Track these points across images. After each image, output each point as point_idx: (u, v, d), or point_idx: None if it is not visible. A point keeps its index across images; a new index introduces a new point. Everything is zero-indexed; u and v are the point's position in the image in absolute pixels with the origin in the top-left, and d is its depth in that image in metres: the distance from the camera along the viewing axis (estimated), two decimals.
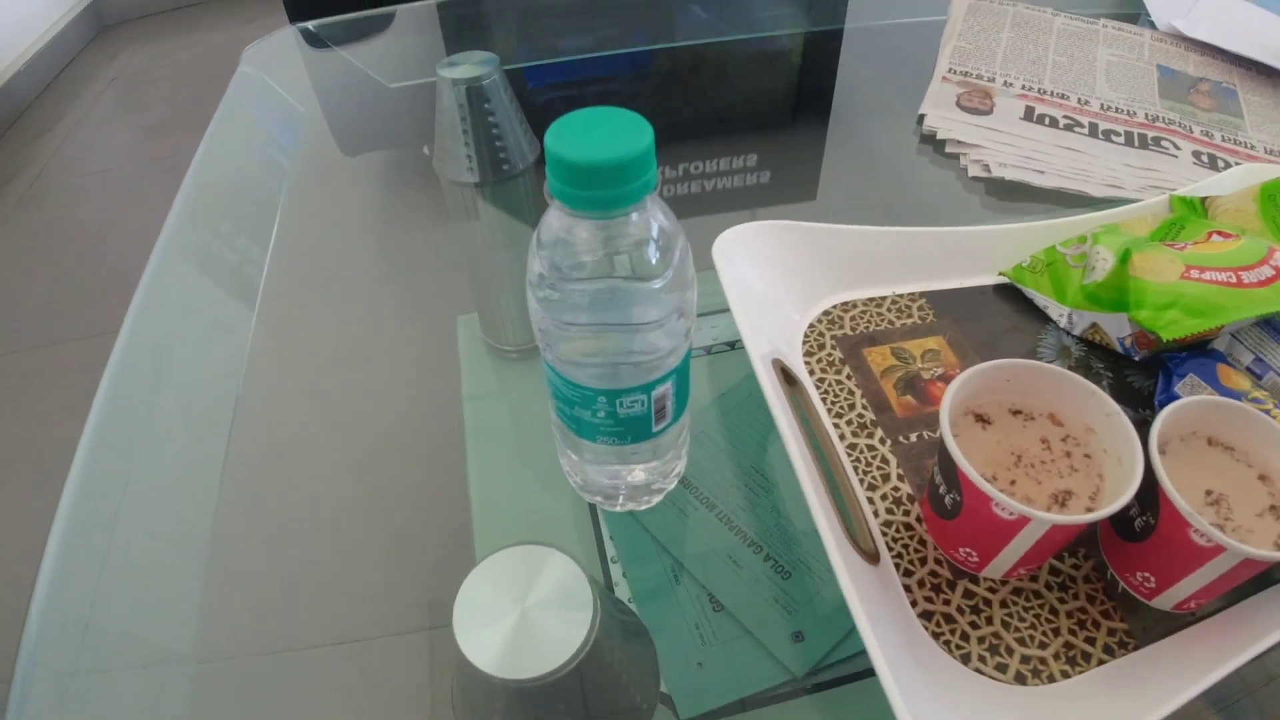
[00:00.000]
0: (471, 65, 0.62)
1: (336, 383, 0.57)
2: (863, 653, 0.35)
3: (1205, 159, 0.74)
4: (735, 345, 0.55)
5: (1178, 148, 0.75)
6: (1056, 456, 0.40)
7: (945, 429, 0.38)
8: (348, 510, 0.49)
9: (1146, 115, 0.79)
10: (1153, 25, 0.96)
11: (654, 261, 0.34)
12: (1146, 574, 0.40)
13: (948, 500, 0.39)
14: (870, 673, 0.34)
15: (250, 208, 0.73)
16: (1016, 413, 0.42)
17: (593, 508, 0.46)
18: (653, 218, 0.33)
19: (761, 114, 0.88)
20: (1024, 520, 0.36)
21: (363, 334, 0.62)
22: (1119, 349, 0.51)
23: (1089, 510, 0.38)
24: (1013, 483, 0.39)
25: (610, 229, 0.33)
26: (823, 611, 0.43)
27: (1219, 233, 0.53)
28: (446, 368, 0.56)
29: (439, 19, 1.03)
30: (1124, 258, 0.50)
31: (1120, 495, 0.36)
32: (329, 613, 0.44)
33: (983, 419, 0.42)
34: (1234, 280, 0.47)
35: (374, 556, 0.47)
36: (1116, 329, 0.51)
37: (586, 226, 0.33)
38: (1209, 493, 0.40)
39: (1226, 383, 0.46)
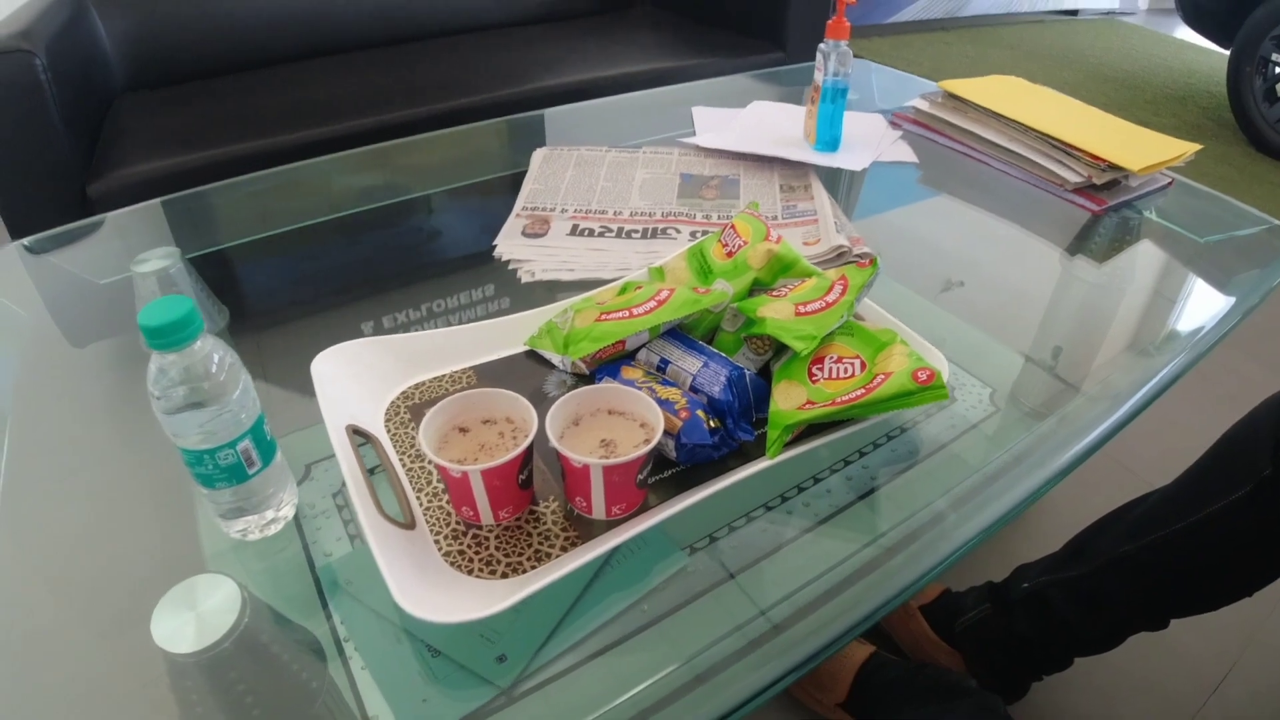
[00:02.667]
0: (158, 259, 0.84)
1: (84, 568, 0.68)
2: (555, 659, 0.58)
3: (699, 234, 1.06)
4: None
5: (679, 232, 1.07)
6: (507, 441, 0.67)
7: (423, 444, 0.63)
8: (116, 694, 0.60)
9: (663, 213, 1.11)
10: (696, 146, 1.31)
11: (212, 370, 0.59)
12: (580, 497, 0.67)
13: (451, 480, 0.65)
14: (565, 672, 0.58)
15: None
16: (486, 421, 0.68)
17: (326, 608, 0.62)
18: (203, 350, 0.58)
19: (468, 267, 1.08)
20: (466, 475, 0.61)
21: (108, 512, 0.73)
22: (587, 373, 0.80)
23: None
24: (475, 460, 0.65)
25: (179, 357, 0.57)
26: (519, 635, 0.60)
27: (638, 287, 0.83)
28: (190, 523, 0.70)
29: (165, 215, 1.21)
30: (572, 318, 0.79)
31: (515, 451, 0.62)
32: None
33: (463, 429, 0.68)
34: (626, 315, 0.77)
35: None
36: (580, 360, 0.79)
37: (166, 357, 0.57)
38: (604, 440, 0.67)
39: (627, 376, 0.74)
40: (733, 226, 0.88)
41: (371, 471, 0.68)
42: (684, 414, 0.69)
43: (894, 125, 1.46)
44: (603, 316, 0.77)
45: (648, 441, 0.65)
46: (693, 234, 1.06)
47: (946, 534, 0.70)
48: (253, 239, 1.16)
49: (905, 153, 1.34)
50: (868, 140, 1.35)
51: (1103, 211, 1.18)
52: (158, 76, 1.95)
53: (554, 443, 0.63)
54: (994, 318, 0.99)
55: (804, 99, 1.35)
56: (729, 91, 1.65)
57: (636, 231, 1.07)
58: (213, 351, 0.59)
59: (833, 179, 1.24)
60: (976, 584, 1.22)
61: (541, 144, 1.36)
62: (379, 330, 0.81)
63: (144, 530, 0.73)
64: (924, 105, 1.46)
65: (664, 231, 1.07)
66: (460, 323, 0.85)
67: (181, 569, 0.57)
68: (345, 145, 1.42)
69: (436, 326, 0.84)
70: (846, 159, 1.26)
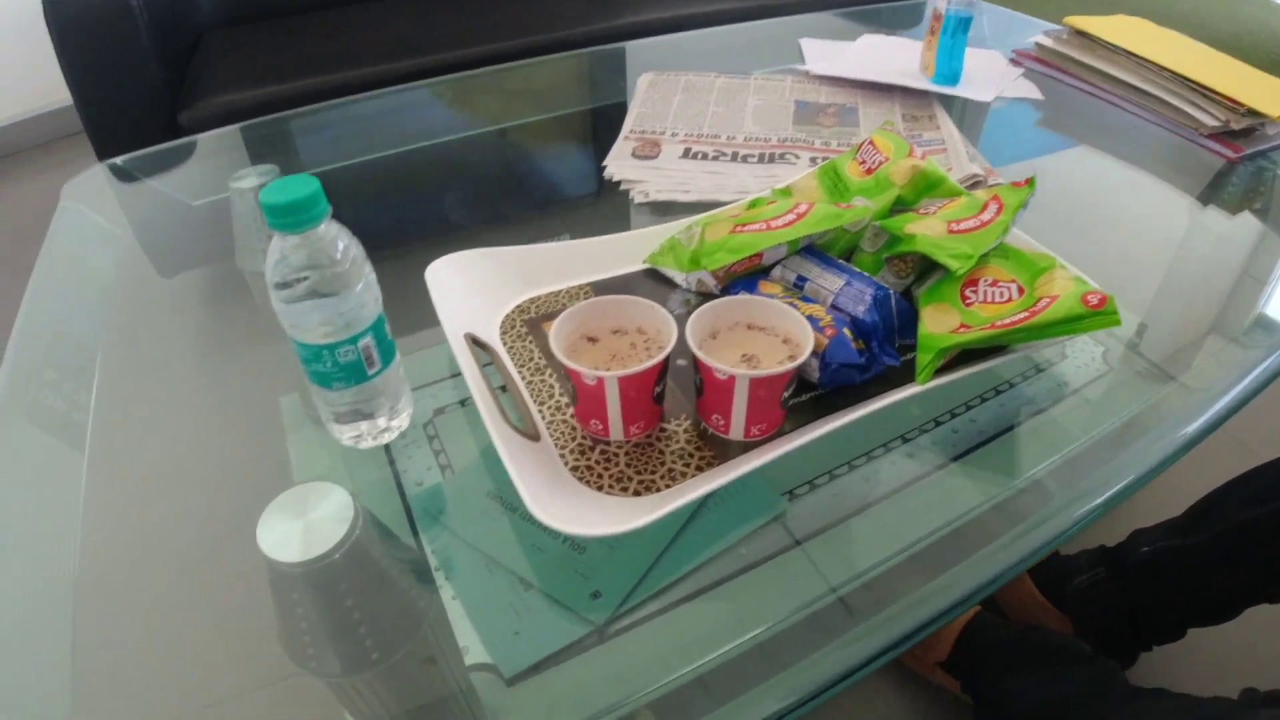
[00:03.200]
0: (257, 175, 0.80)
1: (176, 495, 0.66)
2: (651, 598, 0.55)
3: (819, 161, 0.99)
4: None
5: (798, 157, 1.01)
6: (640, 352, 0.62)
7: (555, 350, 0.59)
8: (201, 601, 0.58)
9: (779, 139, 1.05)
10: (806, 73, 1.24)
11: (336, 256, 0.54)
12: (717, 415, 0.61)
13: (571, 389, 0.60)
14: (658, 614, 0.54)
15: (76, 341, 0.81)
16: (616, 331, 0.64)
17: (417, 536, 0.60)
18: (328, 234, 0.54)
19: (567, 191, 1.07)
20: (601, 382, 0.57)
21: (196, 439, 0.71)
22: (715, 292, 0.74)
23: None
24: (607, 369, 0.60)
25: (303, 240, 0.53)
26: (614, 572, 0.56)
27: (773, 202, 0.77)
28: (277, 448, 0.67)
29: (243, 140, 1.20)
30: (703, 231, 0.73)
31: (659, 357, 0.57)
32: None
33: (591, 339, 0.63)
34: (764, 228, 0.71)
35: (224, 637, 0.56)
36: (709, 278, 0.74)
37: (288, 240, 0.53)
38: (745, 355, 0.62)
39: (764, 290, 0.69)
40: (871, 142, 0.82)
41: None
42: (829, 332, 0.64)
43: (1014, 63, 1.37)
44: (737, 229, 0.72)
45: (793, 358, 0.60)
46: (812, 160, 1.00)
47: (1073, 502, 0.63)
48: (339, 165, 1.13)
49: (1029, 89, 1.26)
50: (988, 76, 1.27)
51: (1239, 159, 1.09)
52: (246, 12, 1.92)
53: (696, 351, 0.58)
54: (1115, 267, 0.90)
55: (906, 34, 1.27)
56: (825, 28, 1.57)
57: (753, 156, 1.01)
58: (338, 237, 0.55)
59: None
60: (1088, 547, 1.15)
61: (623, 78, 1.30)
62: None
63: (231, 456, 0.70)
64: (1048, 42, 1.37)
65: (782, 157, 1.01)
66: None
67: (270, 493, 0.54)
68: (431, 77, 1.38)
69: None
70: (970, 90, 1.18)
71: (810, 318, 0.64)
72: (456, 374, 0.69)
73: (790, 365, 0.57)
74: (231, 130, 1.20)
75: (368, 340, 0.58)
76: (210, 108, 1.50)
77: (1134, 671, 1.14)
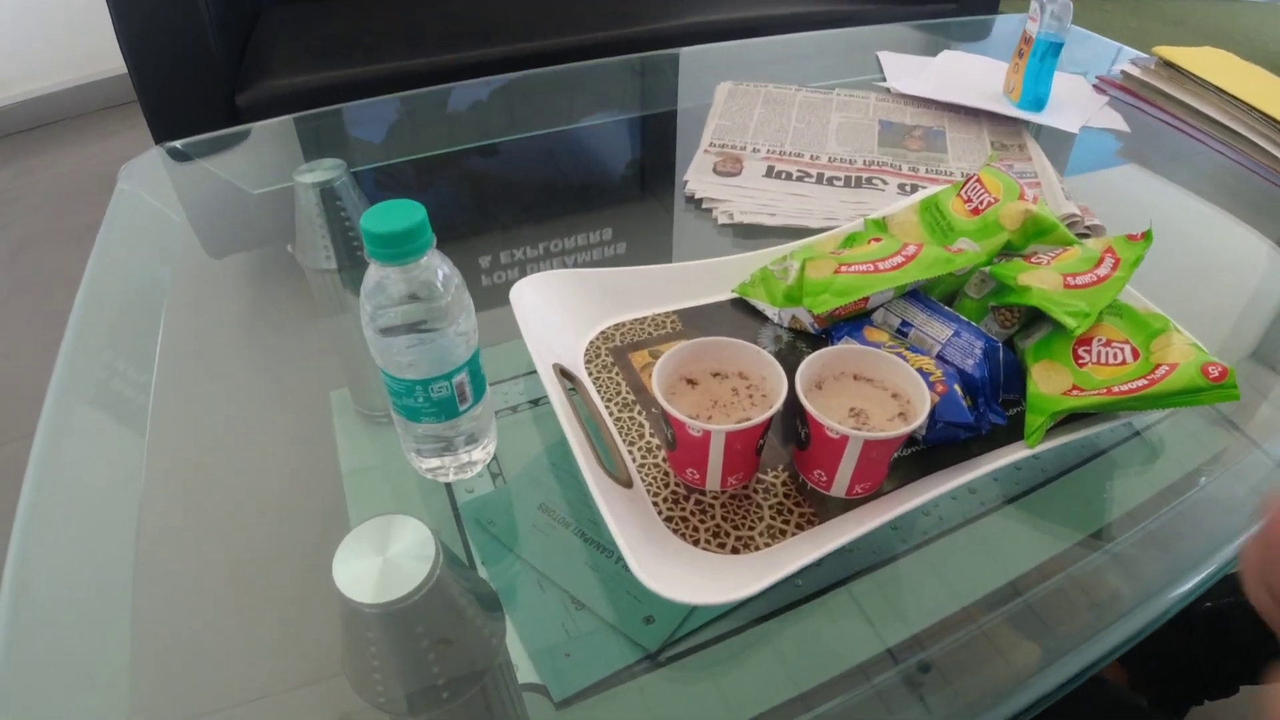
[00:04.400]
0: (323, 170, 0.77)
1: (230, 487, 0.65)
2: (704, 626, 0.53)
3: (908, 189, 0.96)
4: None
5: (885, 183, 0.97)
6: (742, 399, 0.59)
7: (658, 395, 0.55)
8: (253, 589, 0.58)
9: (865, 161, 1.01)
10: (887, 90, 1.20)
11: (438, 288, 0.51)
12: (820, 470, 0.58)
13: (669, 435, 0.57)
14: (711, 642, 0.52)
15: (137, 321, 0.80)
16: (716, 374, 0.60)
17: (466, 547, 0.58)
18: (431, 264, 0.51)
19: (612, 191, 1.05)
20: (708, 434, 0.53)
21: (246, 428, 0.70)
22: (811, 331, 0.71)
23: None
24: (709, 418, 0.57)
25: (407, 271, 0.50)
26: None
27: (876, 239, 0.73)
28: (326, 441, 0.67)
29: (297, 132, 1.17)
30: (803, 266, 0.70)
31: (770, 412, 0.54)
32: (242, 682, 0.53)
33: (690, 381, 0.60)
34: (871, 269, 0.67)
35: (275, 628, 0.56)
36: (805, 316, 0.70)
37: (386, 270, 0.50)
38: (852, 409, 0.58)
39: (870, 338, 0.65)
40: (979, 180, 0.78)
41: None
42: (940, 388, 0.60)
43: (1098, 91, 1.33)
44: (841, 269, 0.68)
45: (903, 415, 0.57)
46: (900, 186, 0.96)
47: (1157, 592, 0.61)
48: (389, 162, 1.10)
49: (1115, 120, 1.21)
50: (1074, 104, 1.22)
51: None
52: None
53: (807, 406, 0.55)
54: (1186, 309, 0.84)
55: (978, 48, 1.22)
56: (893, 39, 1.51)
57: (839, 179, 0.97)
58: (439, 267, 0.52)
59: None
60: None
61: (675, 85, 1.27)
62: (539, 266, 0.74)
63: (283, 450, 0.69)
64: (1135, 71, 1.32)
65: (869, 181, 0.97)
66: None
67: (319, 488, 0.53)
68: (495, 69, 1.35)
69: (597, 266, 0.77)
70: (1056, 118, 1.14)
71: (919, 370, 0.60)
72: (507, 379, 0.69)
73: (905, 428, 0.54)
74: (291, 120, 1.17)
75: (462, 376, 0.55)
76: (269, 90, 1.48)
77: None
